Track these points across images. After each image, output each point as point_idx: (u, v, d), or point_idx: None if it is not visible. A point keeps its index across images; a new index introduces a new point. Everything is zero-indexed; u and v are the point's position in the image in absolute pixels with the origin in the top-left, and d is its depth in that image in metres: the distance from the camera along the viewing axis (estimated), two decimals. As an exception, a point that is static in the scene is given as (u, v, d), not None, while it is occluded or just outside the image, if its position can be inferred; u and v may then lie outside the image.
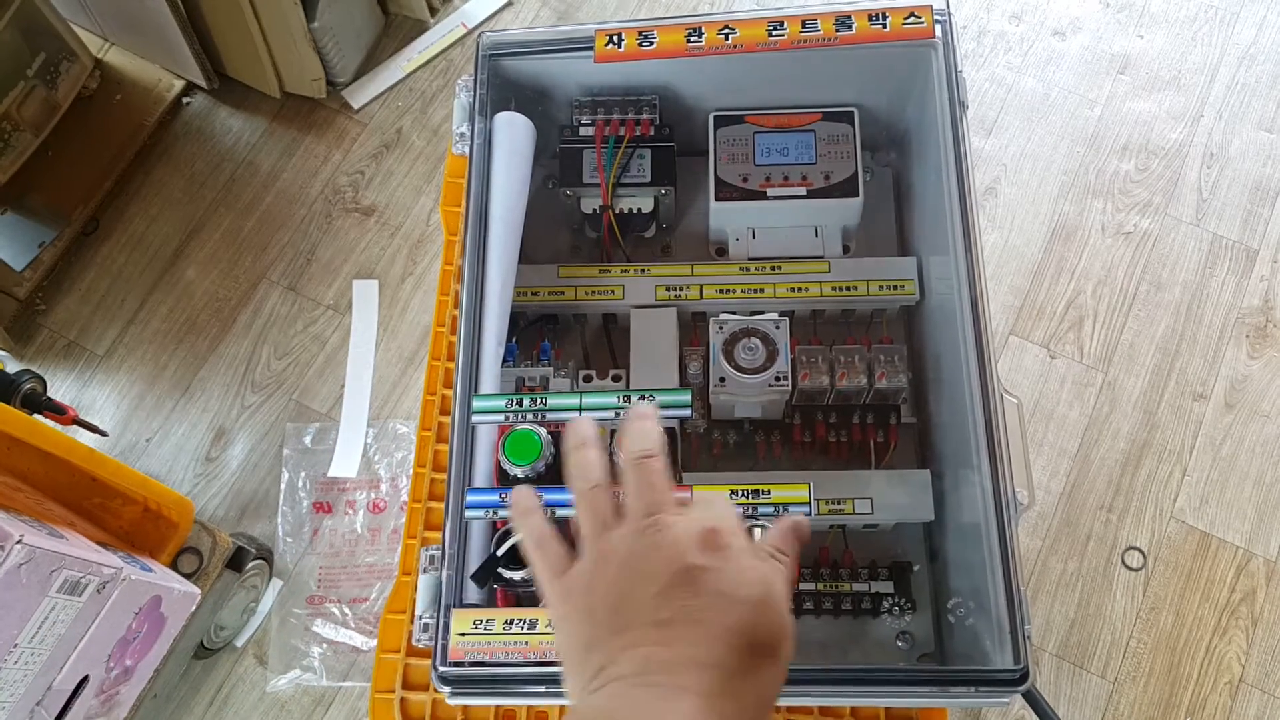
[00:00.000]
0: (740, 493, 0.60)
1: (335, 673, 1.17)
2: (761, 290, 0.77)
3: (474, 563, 0.61)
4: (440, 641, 0.58)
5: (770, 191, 0.77)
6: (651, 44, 0.72)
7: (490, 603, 0.62)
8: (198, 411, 1.33)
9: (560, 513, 0.61)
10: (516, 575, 0.59)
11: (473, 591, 0.61)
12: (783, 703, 0.68)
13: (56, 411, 1.11)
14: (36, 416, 1.04)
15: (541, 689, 0.58)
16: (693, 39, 0.72)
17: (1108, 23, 1.49)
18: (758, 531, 0.45)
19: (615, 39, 0.73)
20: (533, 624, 0.58)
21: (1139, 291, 1.32)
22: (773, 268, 0.77)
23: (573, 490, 0.44)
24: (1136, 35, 1.48)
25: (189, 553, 1.06)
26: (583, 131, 0.79)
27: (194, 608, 1.03)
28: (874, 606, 0.71)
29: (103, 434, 1.24)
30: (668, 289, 0.77)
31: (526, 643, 0.57)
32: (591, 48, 0.73)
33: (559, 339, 0.80)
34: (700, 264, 0.78)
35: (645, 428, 0.44)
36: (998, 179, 1.40)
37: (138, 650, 0.96)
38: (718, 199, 0.78)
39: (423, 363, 1.33)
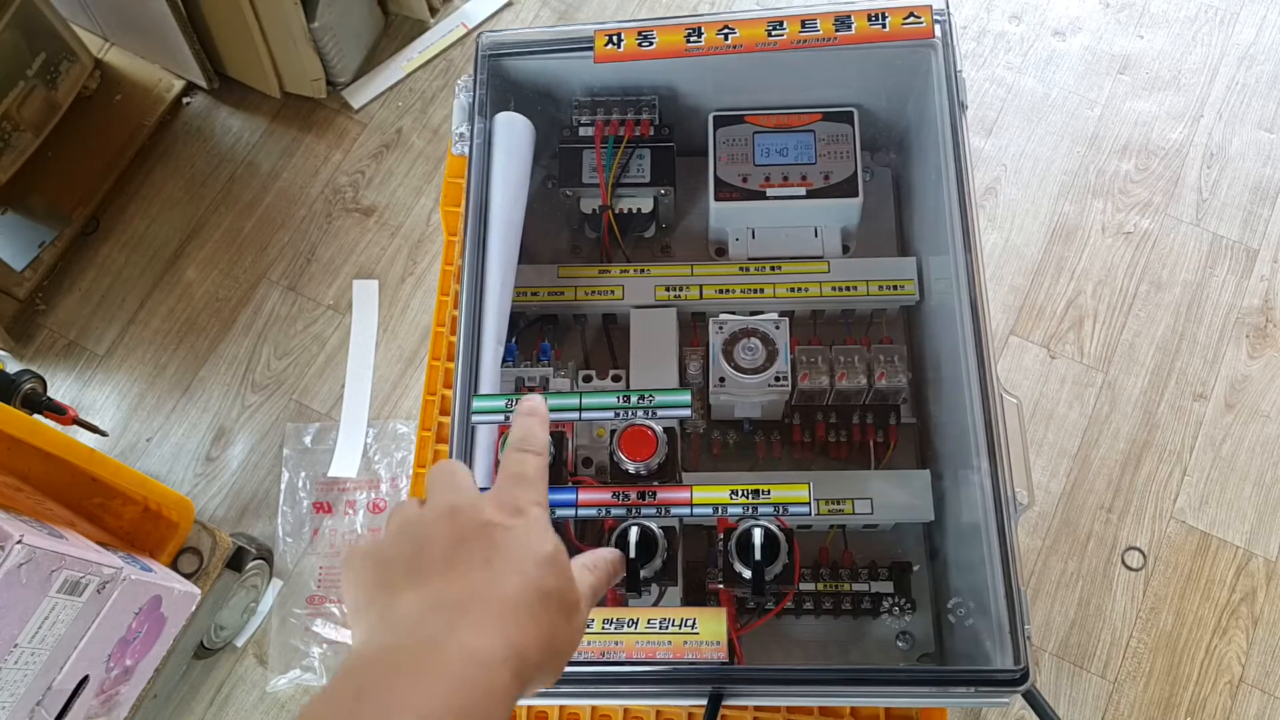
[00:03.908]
0: (740, 493, 0.60)
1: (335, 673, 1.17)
2: (761, 290, 0.77)
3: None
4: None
5: (770, 191, 0.77)
6: (651, 44, 0.72)
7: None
8: (198, 411, 1.33)
9: (560, 513, 0.61)
10: None
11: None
12: (783, 703, 0.68)
13: (56, 411, 1.11)
14: (36, 416, 1.04)
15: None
16: (692, 39, 0.72)
17: (1108, 23, 1.49)
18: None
19: (615, 39, 0.73)
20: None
21: (1139, 291, 1.32)
22: (772, 268, 0.77)
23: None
24: (1136, 35, 1.48)
25: (189, 553, 1.06)
26: (582, 131, 0.79)
27: (194, 608, 1.03)
28: (874, 606, 0.71)
29: (103, 434, 1.24)
30: (667, 289, 0.77)
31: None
32: (591, 48, 0.73)
33: (559, 339, 0.80)
34: (700, 264, 0.78)
35: (529, 426, 0.46)
36: (998, 179, 1.40)
37: (138, 650, 0.96)
38: (717, 199, 0.78)
39: (423, 363, 1.33)
